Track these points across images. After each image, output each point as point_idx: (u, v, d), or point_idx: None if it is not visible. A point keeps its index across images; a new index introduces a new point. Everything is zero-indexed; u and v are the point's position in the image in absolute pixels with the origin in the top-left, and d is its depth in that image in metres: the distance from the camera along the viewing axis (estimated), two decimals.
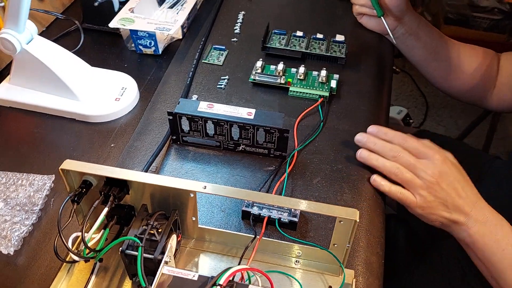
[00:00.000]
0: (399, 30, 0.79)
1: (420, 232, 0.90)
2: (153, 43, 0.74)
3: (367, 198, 0.56)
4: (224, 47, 0.76)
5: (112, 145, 0.61)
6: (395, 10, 0.77)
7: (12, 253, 0.48)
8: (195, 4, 0.82)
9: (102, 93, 0.66)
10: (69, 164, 0.44)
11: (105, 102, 0.65)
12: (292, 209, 0.51)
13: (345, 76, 0.72)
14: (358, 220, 0.41)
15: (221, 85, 0.70)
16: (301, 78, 0.69)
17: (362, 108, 0.67)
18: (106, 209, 0.44)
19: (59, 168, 0.44)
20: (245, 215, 0.52)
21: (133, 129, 0.63)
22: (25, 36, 0.62)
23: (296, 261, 0.48)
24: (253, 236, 0.47)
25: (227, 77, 0.71)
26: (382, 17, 0.76)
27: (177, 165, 0.58)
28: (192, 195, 0.45)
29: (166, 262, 0.42)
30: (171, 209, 0.46)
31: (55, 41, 0.68)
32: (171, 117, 0.57)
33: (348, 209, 0.42)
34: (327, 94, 0.67)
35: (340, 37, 0.76)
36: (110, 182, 0.45)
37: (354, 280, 0.46)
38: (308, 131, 0.63)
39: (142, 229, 0.43)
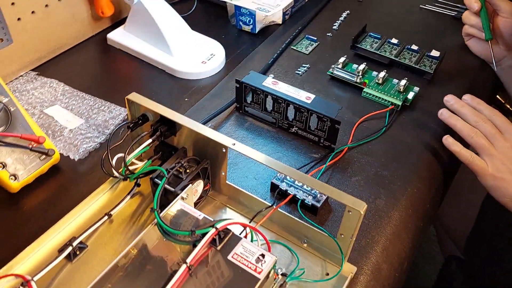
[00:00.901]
0: (506, 61, 0.73)
1: (480, 282, 0.83)
2: (251, 21, 0.79)
3: (401, 209, 0.54)
4: (316, 39, 0.79)
5: (186, 99, 0.68)
6: (508, 38, 0.71)
7: (76, 159, 0.57)
8: None
9: (193, 54, 0.74)
10: (133, 96, 0.51)
11: (193, 62, 0.72)
12: (318, 195, 0.53)
13: (427, 91, 0.69)
14: (363, 213, 0.41)
15: (300, 71, 0.72)
16: (379, 82, 0.68)
17: (431, 126, 0.64)
18: (150, 140, 0.50)
19: (125, 97, 0.51)
20: (273, 188, 0.54)
21: (208, 91, 0.69)
22: None
23: (304, 241, 0.49)
24: (271, 204, 0.50)
25: (308, 65, 0.73)
26: (489, 42, 0.71)
27: (231, 129, 0.63)
28: (224, 150, 0.49)
29: (182, 198, 0.46)
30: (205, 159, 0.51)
31: (172, 4, 0.77)
32: (238, 85, 0.62)
33: (357, 200, 0.42)
34: (399, 103, 0.66)
35: (435, 53, 0.73)
36: (163, 120, 0.51)
37: (351, 274, 0.46)
38: (367, 133, 0.63)
39: (173, 165, 0.48)
